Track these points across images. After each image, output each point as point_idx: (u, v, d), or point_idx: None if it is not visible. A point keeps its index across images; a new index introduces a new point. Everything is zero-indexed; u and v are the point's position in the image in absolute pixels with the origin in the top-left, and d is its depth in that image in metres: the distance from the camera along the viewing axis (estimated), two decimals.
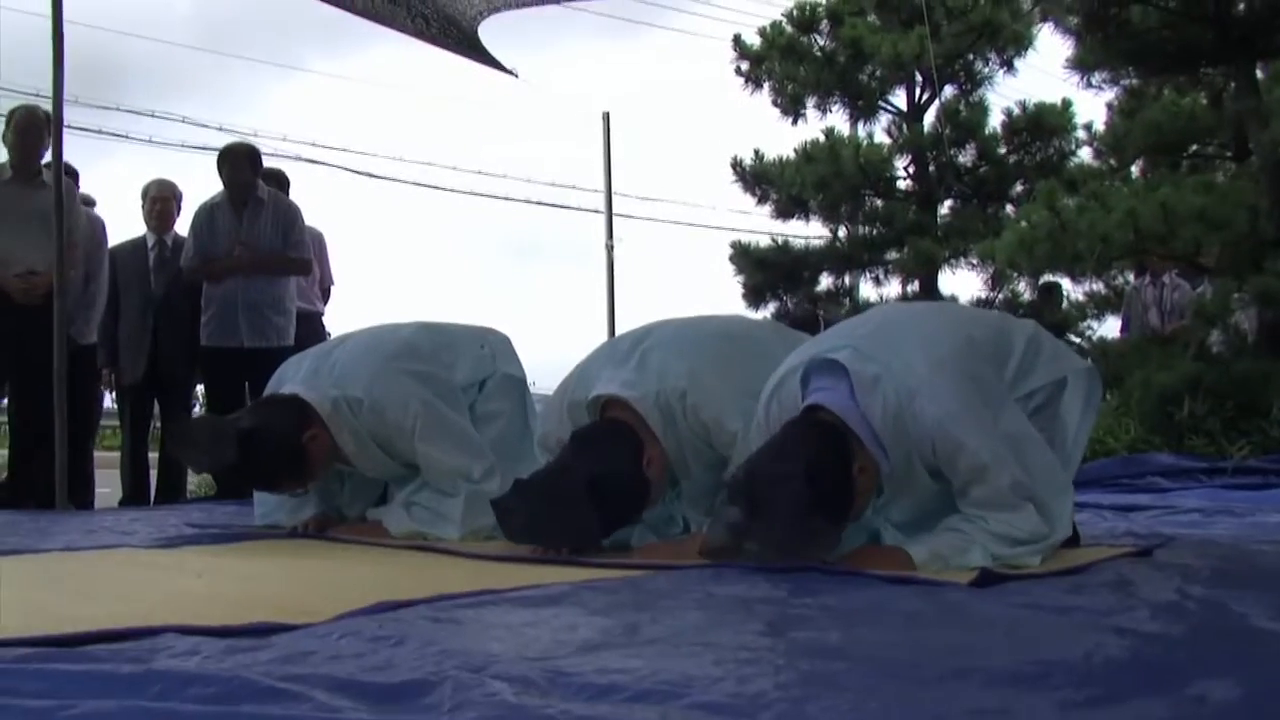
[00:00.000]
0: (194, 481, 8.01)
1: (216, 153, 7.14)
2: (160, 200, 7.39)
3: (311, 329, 7.45)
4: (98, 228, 6.95)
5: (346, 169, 25.95)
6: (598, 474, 3.07)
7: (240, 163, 6.89)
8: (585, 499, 3.02)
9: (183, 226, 7.39)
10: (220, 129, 21.54)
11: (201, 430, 3.22)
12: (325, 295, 7.91)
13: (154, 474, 7.36)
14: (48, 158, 6.22)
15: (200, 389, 8.19)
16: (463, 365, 4.15)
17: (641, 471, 3.17)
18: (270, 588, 2.70)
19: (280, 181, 7.54)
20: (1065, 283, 11.40)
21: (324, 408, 3.78)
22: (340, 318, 7.58)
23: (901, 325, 3.14)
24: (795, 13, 14.07)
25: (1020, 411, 2.93)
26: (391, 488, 4.12)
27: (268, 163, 7.33)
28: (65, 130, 6.15)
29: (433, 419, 3.88)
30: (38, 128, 6.38)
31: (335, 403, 3.79)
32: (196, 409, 9.02)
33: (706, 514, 3.24)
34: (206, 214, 6.86)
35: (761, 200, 14.35)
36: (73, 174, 6.93)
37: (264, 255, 6.76)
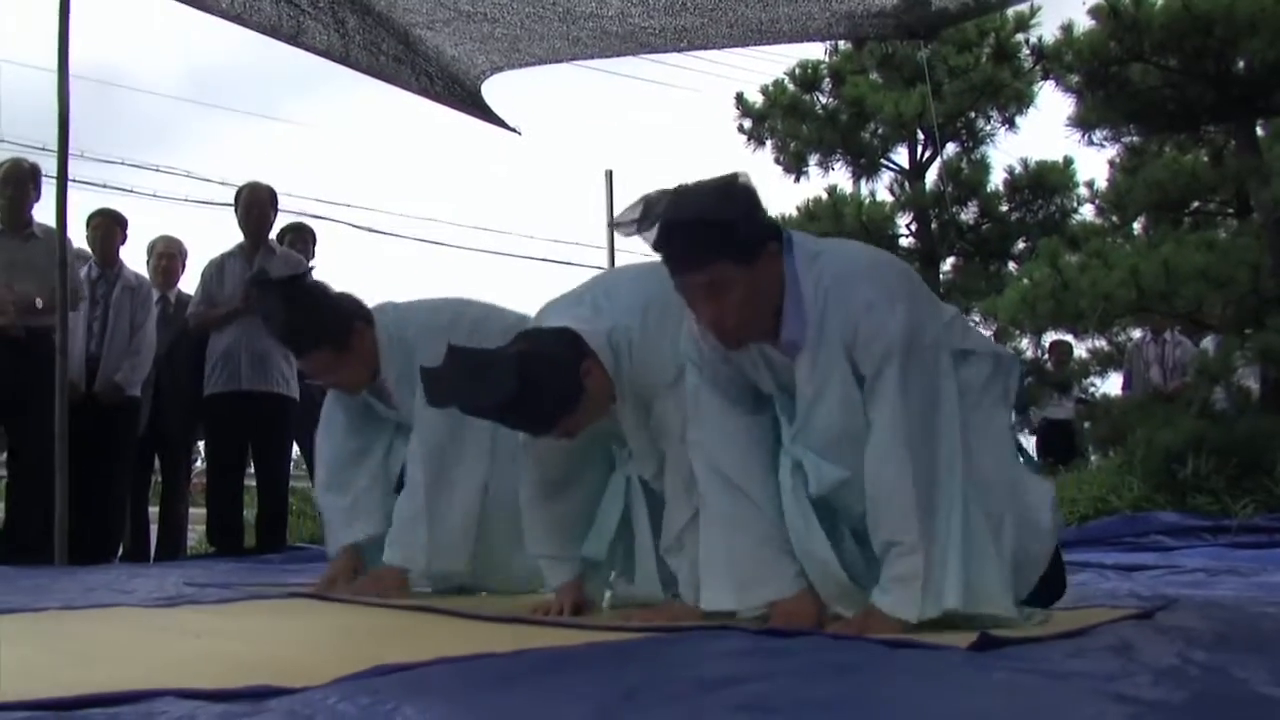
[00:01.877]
0: (193, 538, 8.00)
1: (219, 207, 7.23)
2: (166, 257, 7.44)
3: (314, 386, 7.46)
4: (144, 283, 7.08)
5: (349, 224, 26.16)
6: (532, 353, 3.02)
7: (260, 200, 6.98)
8: (511, 368, 2.96)
9: (186, 283, 7.44)
10: (224, 184, 21.68)
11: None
12: None
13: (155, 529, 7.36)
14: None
15: (200, 445, 8.21)
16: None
17: (577, 372, 3.07)
18: (268, 649, 2.69)
19: (305, 235, 7.61)
20: (1067, 339, 11.41)
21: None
22: None
23: (846, 242, 3.23)
24: (798, 71, 14.17)
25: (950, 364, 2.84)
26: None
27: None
28: (69, 184, 6.18)
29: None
30: (24, 180, 6.41)
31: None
32: (197, 464, 9.04)
33: (655, 477, 3.29)
34: (217, 264, 6.93)
35: None
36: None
37: None
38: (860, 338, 2.71)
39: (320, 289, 4.08)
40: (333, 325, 3.99)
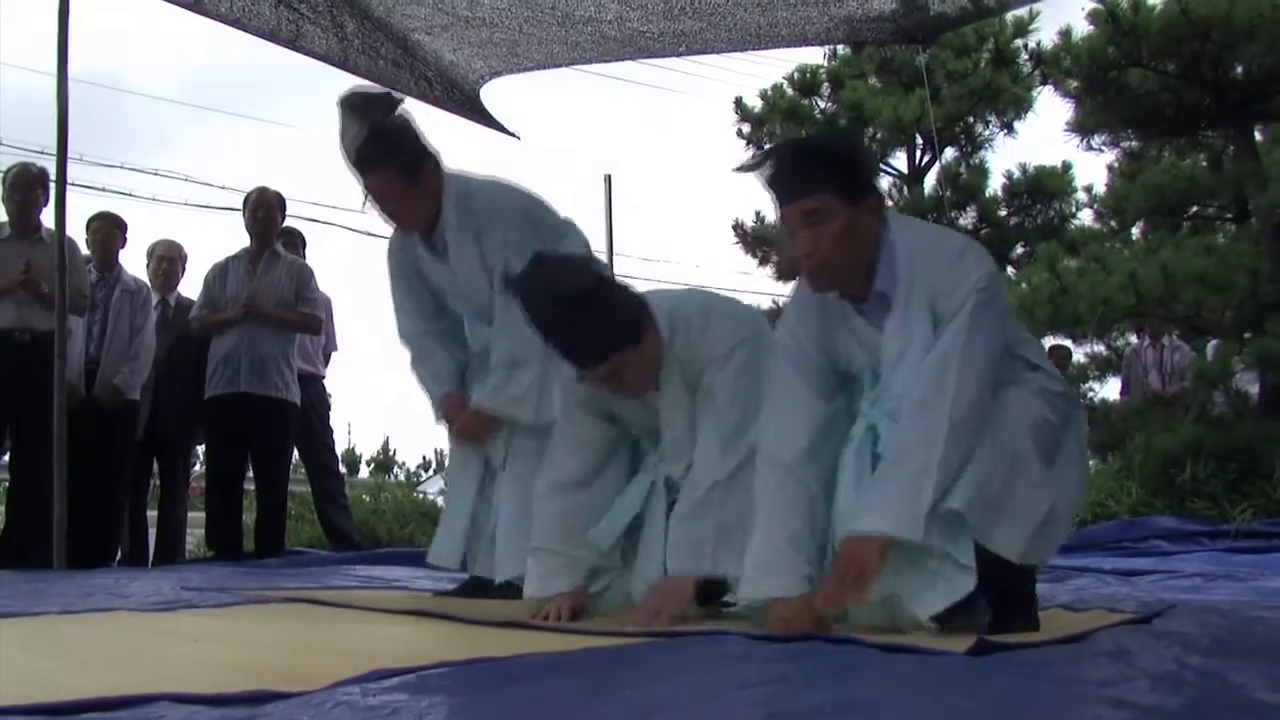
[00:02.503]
0: (192, 542, 8.00)
1: (218, 211, 7.28)
2: (166, 260, 7.46)
3: (314, 391, 7.47)
4: (144, 288, 7.08)
5: (349, 228, 26.11)
6: (608, 279, 3.27)
7: (269, 204, 7.01)
8: (590, 274, 3.20)
9: (186, 287, 7.45)
10: (223, 188, 21.68)
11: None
12: (326, 360, 7.93)
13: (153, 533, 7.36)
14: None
15: (200, 449, 8.21)
16: (573, 244, 4.25)
17: (640, 318, 3.24)
18: (265, 654, 2.69)
19: (295, 239, 7.60)
20: (1066, 344, 11.40)
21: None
22: (340, 377, 7.61)
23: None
24: (796, 76, 14.18)
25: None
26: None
27: None
28: (69, 188, 6.19)
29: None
30: (32, 184, 6.44)
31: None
32: (196, 468, 9.04)
33: (683, 474, 3.36)
34: (220, 269, 6.95)
35: (763, 262, 14.43)
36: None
37: (274, 310, 6.81)
38: (943, 288, 2.79)
39: (406, 121, 4.11)
40: (408, 152, 4.04)
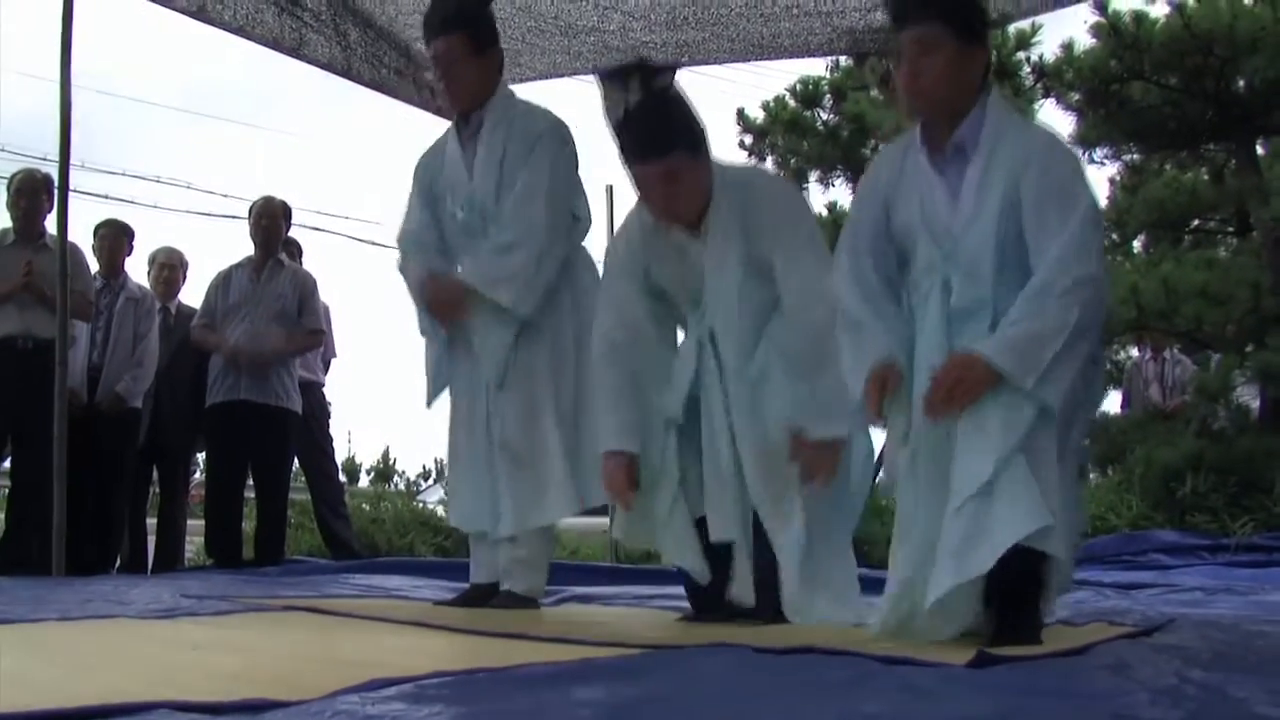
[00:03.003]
0: (191, 550, 7.99)
1: (220, 219, 7.29)
2: (167, 268, 7.46)
3: (314, 398, 7.47)
4: (148, 294, 7.10)
5: (351, 237, 26.12)
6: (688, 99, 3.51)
7: (274, 213, 7.02)
8: (679, 93, 3.50)
9: (186, 295, 7.45)
10: (225, 195, 21.71)
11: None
12: (326, 367, 7.93)
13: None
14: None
15: (200, 457, 8.20)
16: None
17: (705, 139, 3.52)
18: (264, 661, 2.68)
19: (292, 248, 7.60)
20: None
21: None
22: (341, 386, 7.60)
23: None
24: (799, 87, 14.15)
25: None
26: None
27: None
28: (70, 195, 6.18)
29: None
30: (37, 191, 6.45)
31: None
32: (197, 476, 9.04)
33: (728, 349, 3.49)
34: (224, 276, 6.95)
35: None
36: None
37: (270, 350, 6.77)
38: (1036, 169, 2.90)
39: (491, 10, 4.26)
40: (482, 24, 4.18)
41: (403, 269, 4.28)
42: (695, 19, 6.40)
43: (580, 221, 4.23)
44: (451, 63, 4.13)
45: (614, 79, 3.41)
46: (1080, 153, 9.70)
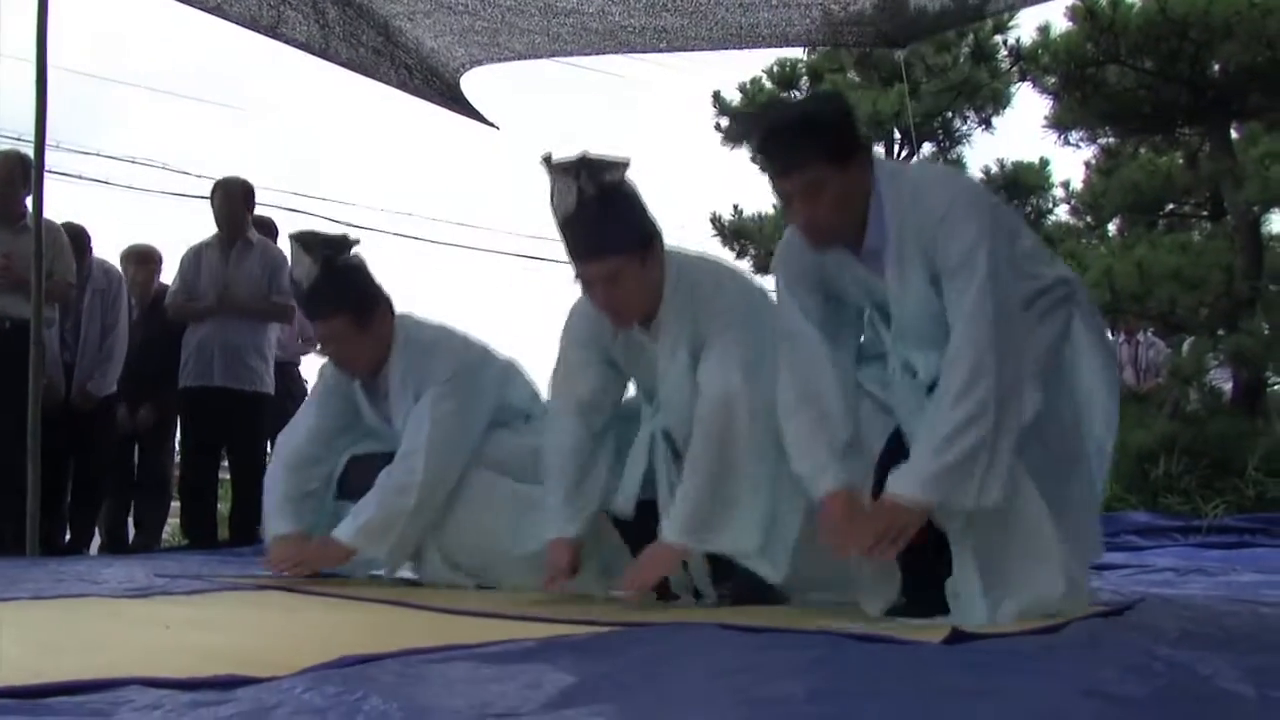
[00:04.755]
0: (167, 531, 7.97)
1: (195, 199, 7.21)
2: (143, 270, 7.41)
3: (288, 378, 7.46)
4: (114, 281, 6.98)
5: (328, 218, 25.96)
6: (638, 194, 3.33)
7: (233, 195, 6.93)
8: (623, 165, 3.26)
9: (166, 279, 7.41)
10: (200, 176, 21.60)
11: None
12: (310, 343, 7.88)
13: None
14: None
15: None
16: (516, 392, 4.26)
17: (654, 239, 3.34)
18: (237, 639, 2.68)
19: (268, 229, 7.56)
20: None
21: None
22: (316, 365, 7.57)
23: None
24: (775, 69, 14.16)
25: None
26: None
27: None
28: (46, 175, 6.15)
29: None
30: (15, 173, 6.40)
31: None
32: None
33: (681, 424, 3.33)
34: (194, 254, 6.91)
35: (740, 255, 14.41)
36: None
37: (246, 301, 6.78)
38: (940, 241, 2.83)
39: (359, 263, 4.12)
40: (361, 297, 4.04)
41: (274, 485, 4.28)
42: (674, 4, 6.38)
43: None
44: (337, 342, 4.11)
45: (562, 171, 3.23)
46: (1056, 135, 9.74)
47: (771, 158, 2.93)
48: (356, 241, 4.14)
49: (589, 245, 3.28)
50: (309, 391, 4.51)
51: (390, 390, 4.12)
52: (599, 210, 3.22)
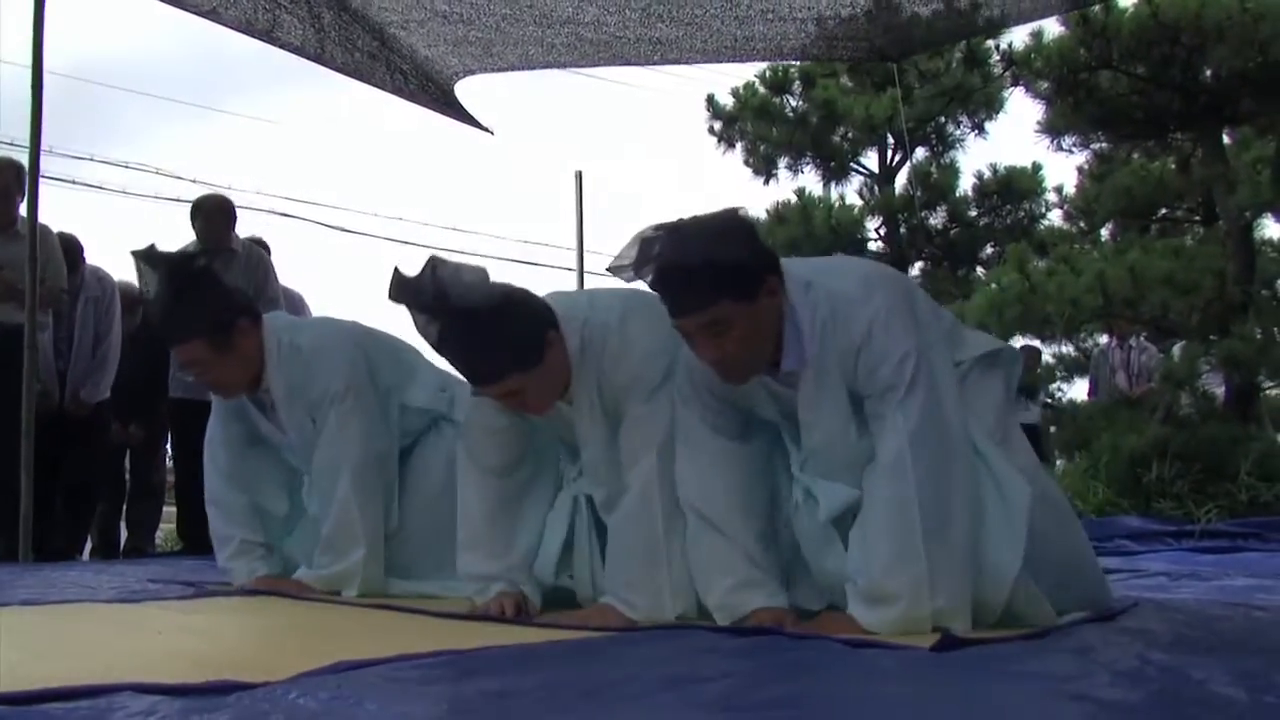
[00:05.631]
0: (160, 536, 7.97)
1: (188, 204, 7.10)
2: (128, 298, 7.35)
3: None
4: (108, 289, 6.95)
5: (320, 223, 26.02)
6: (508, 290, 2.99)
7: (214, 215, 6.85)
8: (486, 286, 2.92)
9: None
10: (195, 181, 21.59)
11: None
12: None
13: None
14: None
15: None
16: (417, 390, 4.07)
17: (542, 333, 2.99)
18: (230, 645, 2.68)
19: (262, 247, 7.54)
20: (1035, 344, 11.45)
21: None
22: None
23: (832, 260, 3.26)
24: (768, 74, 14.18)
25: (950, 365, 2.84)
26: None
27: (243, 216, 7.30)
28: (40, 180, 6.15)
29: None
30: (9, 180, 6.38)
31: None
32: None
33: (607, 503, 3.17)
34: None
35: None
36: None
37: None
38: (861, 365, 2.70)
39: (209, 276, 3.84)
40: (213, 317, 3.72)
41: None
42: (670, 16, 6.37)
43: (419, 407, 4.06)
44: (199, 369, 3.86)
45: (405, 289, 2.94)
46: (1049, 140, 9.75)
47: (671, 297, 2.70)
48: (205, 253, 3.96)
49: (475, 375, 3.05)
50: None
51: (276, 403, 3.94)
52: (478, 338, 2.94)
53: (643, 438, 3.04)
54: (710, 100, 14.43)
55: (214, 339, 3.74)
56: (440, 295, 2.90)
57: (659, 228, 2.67)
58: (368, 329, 4.13)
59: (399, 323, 3.81)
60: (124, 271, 7.33)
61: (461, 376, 3.15)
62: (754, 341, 2.72)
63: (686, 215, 2.69)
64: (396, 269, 2.93)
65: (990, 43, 13.56)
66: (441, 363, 3.35)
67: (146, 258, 3.74)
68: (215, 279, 3.85)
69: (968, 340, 3.08)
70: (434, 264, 2.92)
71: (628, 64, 7.44)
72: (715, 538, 2.88)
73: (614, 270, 2.75)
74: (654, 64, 7.38)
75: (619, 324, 3.10)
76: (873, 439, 2.71)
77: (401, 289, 2.93)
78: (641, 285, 2.85)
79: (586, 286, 11.32)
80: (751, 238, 2.72)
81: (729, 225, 2.67)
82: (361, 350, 3.97)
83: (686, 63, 7.34)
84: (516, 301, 3.01)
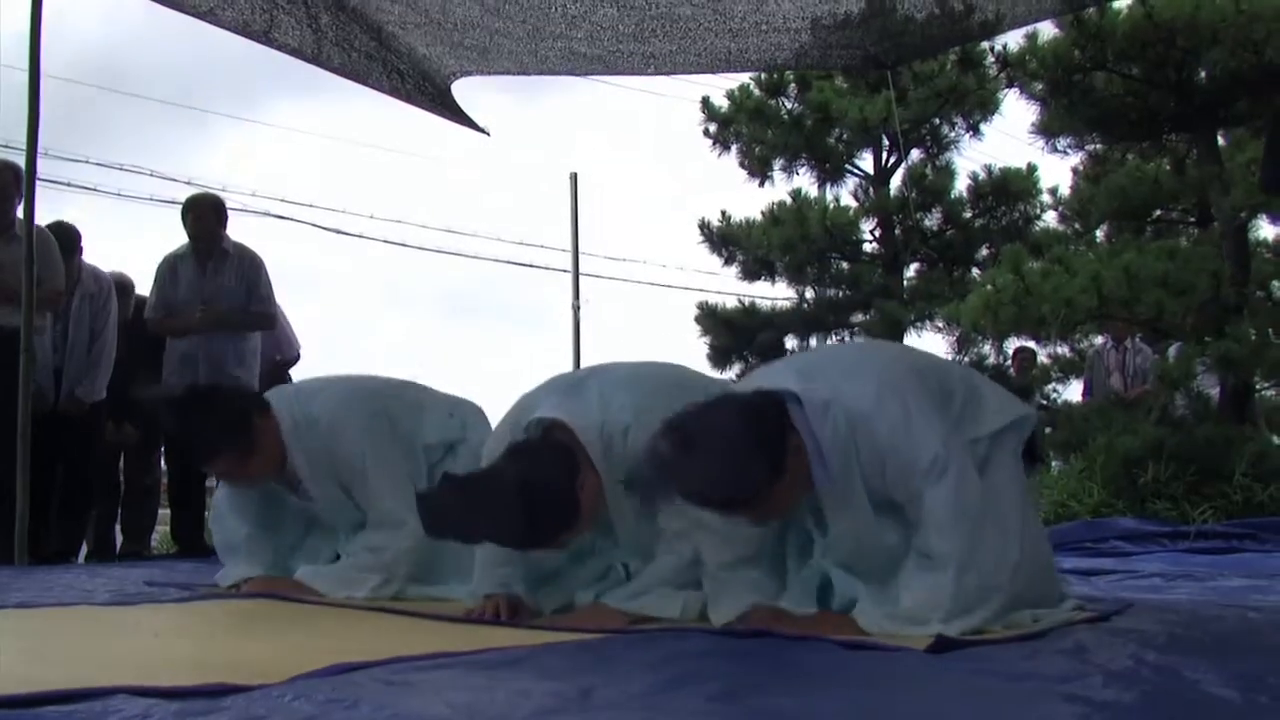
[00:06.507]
0: (156, 538, 7.96)
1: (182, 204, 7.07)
2: (123, 299, 7.35)
3: (287, 380, 7.44)
4: (104, 287, 6.93)
5: (316, 225, 25.87)
6: (530, 479, 2.92)
7: (205, 214, 6.85)
8: (514, 499, 2.87)
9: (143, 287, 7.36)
10: (189, 183, 21.52)
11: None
12: (289, 364, 7.89)
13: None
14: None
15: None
16: (430, 426, 4.09)
17: (574, 489, 2.97)
18: (226, 648, 2.68)
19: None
20: (1030, 346, 11.45)
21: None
22: (303, 373, 7.55)
23: (843, 357, 3.23)
24: (763, 76, 14.17)
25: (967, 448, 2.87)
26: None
27: (237, 218, 7.29)
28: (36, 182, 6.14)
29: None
30: (7, 182, 6.37)
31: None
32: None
33: (645, 561, 3.19)
34: (169, 266, 6.83)
35: (728, 262, 14.42)
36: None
37: (226, 313, 6.74)
38: (890, 472, 2.74)
39: (212, 395, 3.98)
40: (232, 430, 3.76)
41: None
42: (663, 31, 6.38)
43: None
44: (236, 475, 3.95)
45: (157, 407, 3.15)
46: (1044, 141, 9.77)
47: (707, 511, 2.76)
48: (218, 389, 4.10)
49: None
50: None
51: (302, 478, 3.96)
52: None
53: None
54: (705, 102, 14.43)
55: (239, 445, 3.78)
56: (476, 532, 3.04)
57: (664, 447, 2.59)
58: (373, 384, 4.18)
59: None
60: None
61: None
62: (792, 496, 2.75)
63: (682, 419, 2.63)
64: (420, 497, 3.03)
65: (985, 45, 13.55)
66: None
67: (151, 401, 4.01)
68: (215, 391, 4.01)
69: (985, 406, 3.07)
70: (450, 482, 3.00)
71: (620, 75, 7.46)
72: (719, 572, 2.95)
73: (636, 494, 2.85)
74: (646, 75, 7.40)
75: (634, 419, 3.08)
76: (904, 526, 2.79)
77: (434, 525, 3.04)
78: (643, 372, 3.25)
79: (584, 297, 11.33)
80: (762, 437, 2.65)
81: (737, 441, 2.59)
82: (378, 407, 4.01)
83: (679, 74, 7.35)
84: (544, 492, 2.96)
